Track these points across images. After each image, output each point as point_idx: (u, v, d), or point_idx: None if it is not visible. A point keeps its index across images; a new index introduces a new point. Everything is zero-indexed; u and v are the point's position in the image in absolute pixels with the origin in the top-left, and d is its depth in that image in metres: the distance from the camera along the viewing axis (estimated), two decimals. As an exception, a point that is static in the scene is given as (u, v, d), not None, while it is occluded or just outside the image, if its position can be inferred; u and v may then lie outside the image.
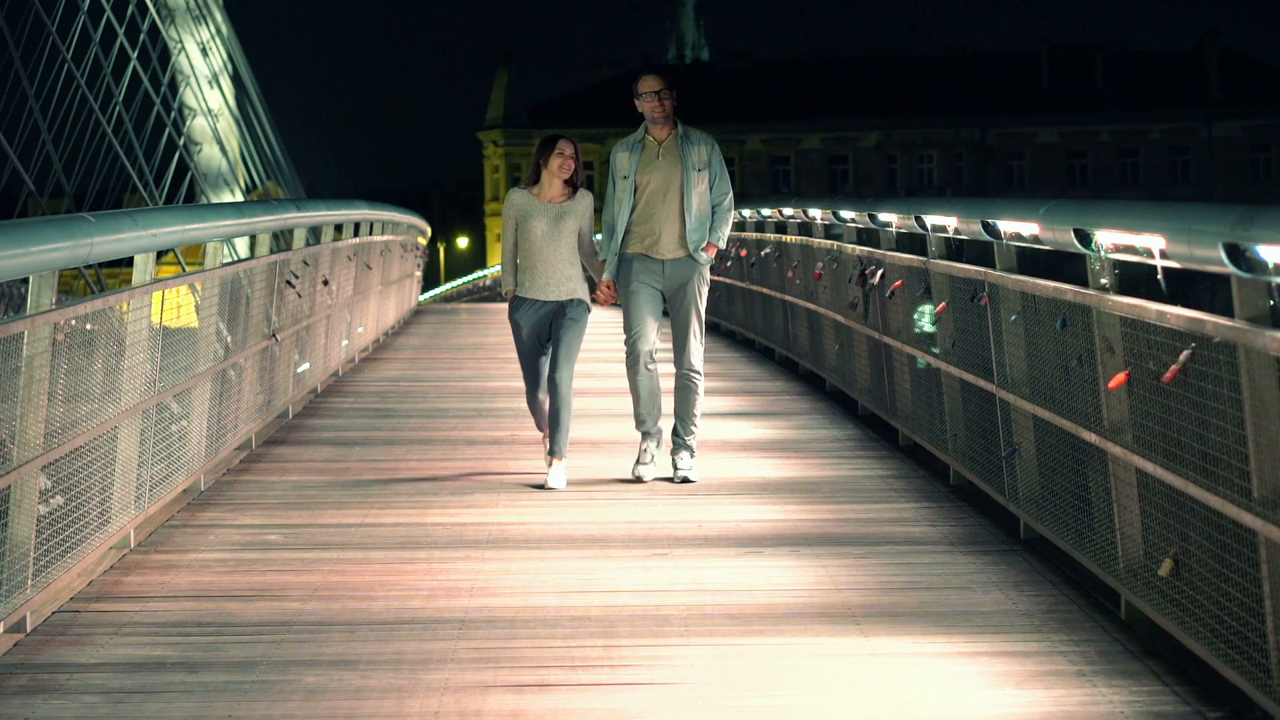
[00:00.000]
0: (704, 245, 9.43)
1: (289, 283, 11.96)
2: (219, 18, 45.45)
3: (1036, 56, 79.12)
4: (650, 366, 9.58)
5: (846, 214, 12.42)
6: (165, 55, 42.63)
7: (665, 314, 9.66)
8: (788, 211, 15.55)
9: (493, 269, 72.01)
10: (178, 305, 9.05)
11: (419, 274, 26.94)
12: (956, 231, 9.13)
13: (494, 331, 20.64)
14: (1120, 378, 6.29)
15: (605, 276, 9.56)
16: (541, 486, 9.34)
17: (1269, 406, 5.08)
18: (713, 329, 19.25)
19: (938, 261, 9.54)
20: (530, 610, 6.61)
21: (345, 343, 15.82)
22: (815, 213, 13.89)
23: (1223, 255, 5.15)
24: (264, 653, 6.01)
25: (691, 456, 9.58)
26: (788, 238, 15.60)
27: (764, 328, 17.11)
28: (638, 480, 9.50)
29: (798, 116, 77.18)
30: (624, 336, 9.57)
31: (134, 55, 37.43)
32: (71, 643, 6.18)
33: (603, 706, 5.41)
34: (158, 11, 40.72)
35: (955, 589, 6.94)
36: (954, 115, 76.83)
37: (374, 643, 6.14)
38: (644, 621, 6.43)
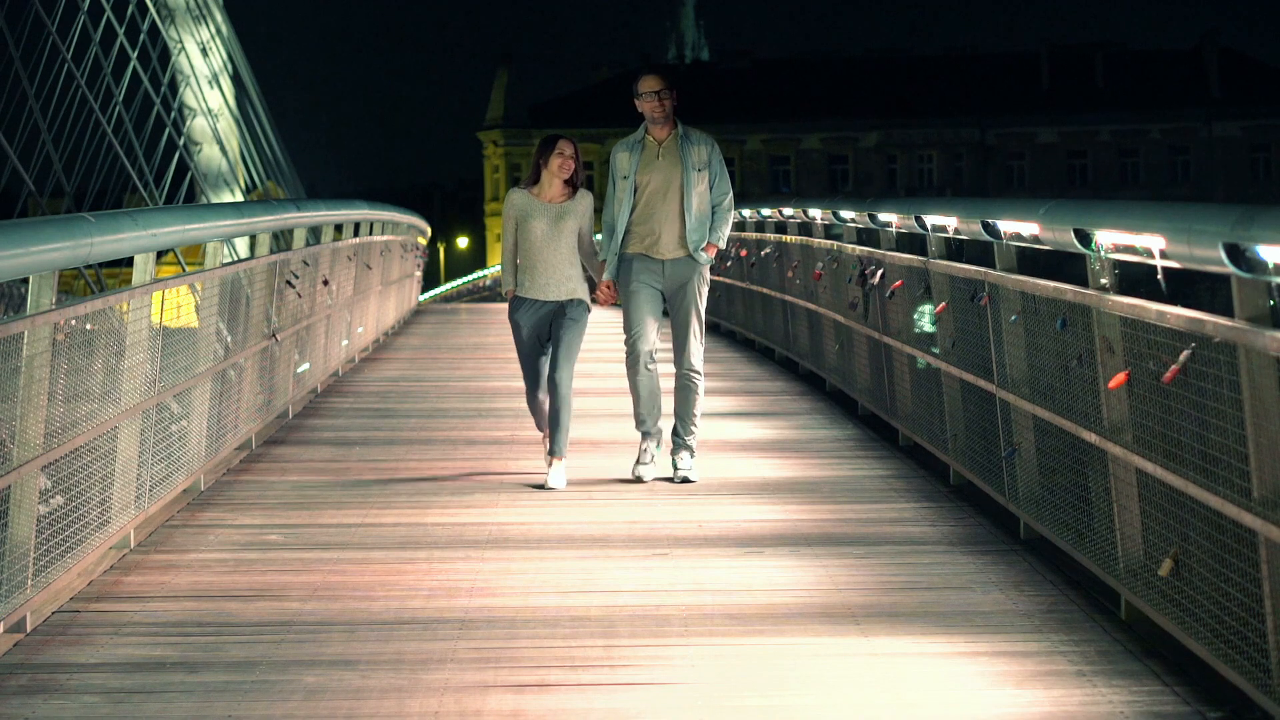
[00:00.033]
0: (704, 245, 9.43)
1: (289, 283, 11.96)
2: (219, 18, 45.46)
3: (1036, 56, 79.10)
4: (650, 366, 9.58)
5: (846, 214, 12.41)
6: (165, 55, 42.64)
7: (665, 314, 9.66)
8: (788, 211, 15.54)
9: (493, 269, 71.98)
10: (178, 305, 9.05)
11: (419, 274, 26.93)
12: (956, 231, 9.13)
13: (494, 331, 20.63)
14: (1120, 378, 6.29)
15: (605, 276, 9.56)
16: (541, 486, 9.34)
17: (1269, 406, 5.08)
18: (713, 329, 19.24)
19: (938, 261, 9.54)
20: (530, 610, 6.61)
21: (345, 343, 15.81)
22: (815, 213, 13.88)
23: (1223, 255, 5.14)
24: (264, 653, 6.01)
25: (691, 456, 9.58)
26: (788, 238, 15.59)
27: (764, 328, 17.10)
28: (638, 480, 9.50)
29: (798, 116, 77.15)
30: (624, 336, 9.56)
31: (134, 55, 37.44)
32: (71, 643, 6.18)
33: (603, 706, 5.41)
34: (158, 11, 40.72)
35: (955, 589, 6.94)
36: (954, 115, 76.80)
37: (374, 643, 6.14)
38: (644, 621, 6.43)
